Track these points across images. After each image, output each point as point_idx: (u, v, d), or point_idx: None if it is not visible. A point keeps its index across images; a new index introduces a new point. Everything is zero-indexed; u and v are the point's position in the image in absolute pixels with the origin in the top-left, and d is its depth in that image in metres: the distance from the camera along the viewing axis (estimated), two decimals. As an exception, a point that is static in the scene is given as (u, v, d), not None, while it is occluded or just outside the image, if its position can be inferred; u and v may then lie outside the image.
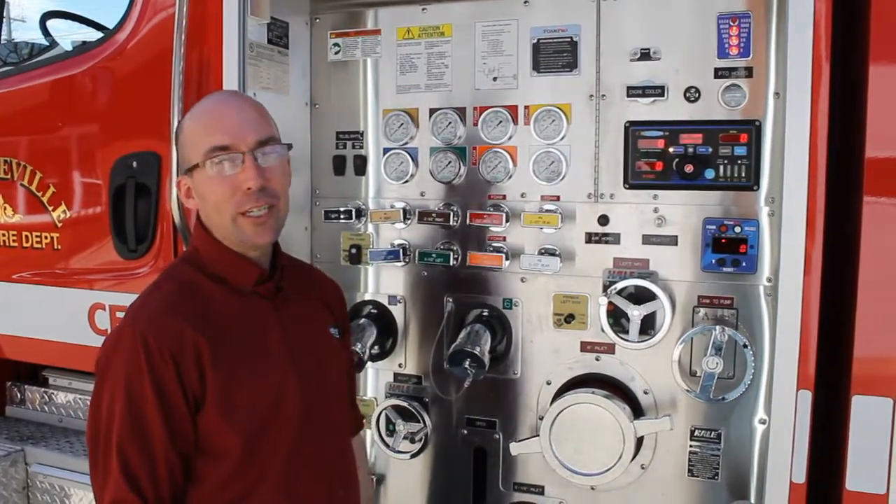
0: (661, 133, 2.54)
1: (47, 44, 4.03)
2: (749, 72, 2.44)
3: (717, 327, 2.43)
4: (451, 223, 2.74)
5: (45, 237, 3.40)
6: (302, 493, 1.97)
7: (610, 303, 2.54)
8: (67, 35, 4.30)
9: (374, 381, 2.99)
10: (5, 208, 3.51)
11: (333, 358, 2.16)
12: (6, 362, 3.77)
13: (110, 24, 3.39)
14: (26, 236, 3.46)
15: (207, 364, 1.81)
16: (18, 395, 3.81)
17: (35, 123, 3.48)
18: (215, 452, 1.86)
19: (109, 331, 3.09)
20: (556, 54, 2.64)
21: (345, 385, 2.25)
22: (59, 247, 3.38)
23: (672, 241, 2.56)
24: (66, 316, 3.33)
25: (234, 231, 1.90)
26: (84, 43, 3.64)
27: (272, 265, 2.03)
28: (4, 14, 3.82)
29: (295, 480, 1.94)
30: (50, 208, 3.37)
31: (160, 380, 1.77)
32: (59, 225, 3.36)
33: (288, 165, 2.02)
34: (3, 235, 3.52)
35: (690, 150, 2.50)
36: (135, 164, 3.10)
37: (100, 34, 3.65)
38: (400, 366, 2.92)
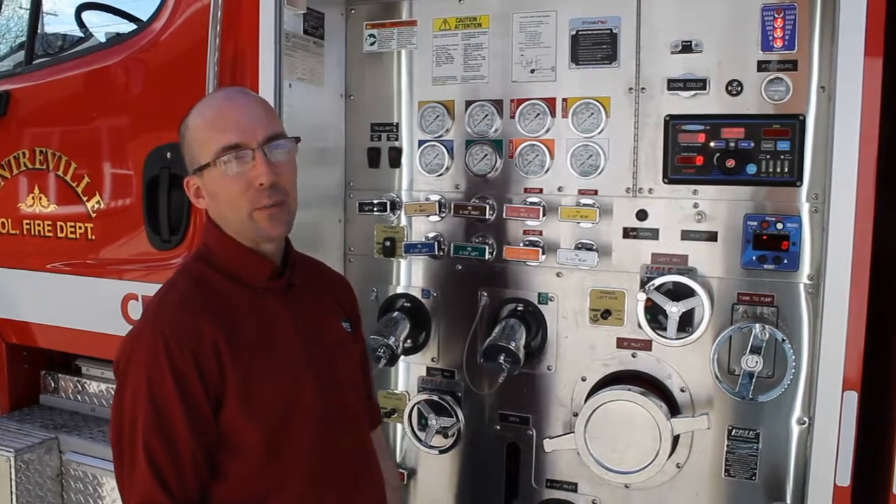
0: (702, 127, 2.50)
1: (81, 36, 4.04)
2: (793, 65, 2.39)
3: (757, 325, 2.39)
4: (486, 216, 2.72)
5: (80, 227, 3.41)
6: (329, 484, 1.97)
7: (648, 299, 2.50)
8: (100, 27, 4.28)
9: (406, 375, 2.98)
10: (40, 198, 3.53)
11: (346, 351, 2.16)
12: (40, 351, 3.81)
13: (143, 16, 3.39)
14: (61, 226, 3.47)
15: (227, 360, 1.81)
16: (52, 384, 3.84)
17: (70, 114, 3.49)
18: (238, 449, 1.86)
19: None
20: (595, 46, 2.61)
21: (360, 377, 2.25)
22: (93, 237, 3.39)
23: (712, 236, 2.52)
24: (99, 306, 3.34)
25: (251, 226, 1.89)
26: (118, 34, 3.65)
27: (283, 261, 2.03)
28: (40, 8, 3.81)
29: (321, 473, 1.95)
30: (84, 199, 3.38)
31: (182, 377, 1.77)
32: (94, 215, 3.37)
33: (294, 160, 2.01)
34: (38, 225, 3.54)
35: (732, 144, 2.46)
36: (169, 154, 3.09)
37: (133, 26, 3.66)
38: (433, 360, 2.91)
